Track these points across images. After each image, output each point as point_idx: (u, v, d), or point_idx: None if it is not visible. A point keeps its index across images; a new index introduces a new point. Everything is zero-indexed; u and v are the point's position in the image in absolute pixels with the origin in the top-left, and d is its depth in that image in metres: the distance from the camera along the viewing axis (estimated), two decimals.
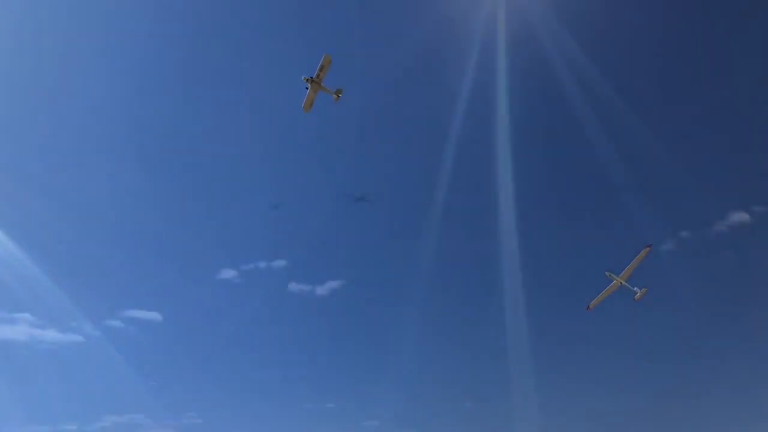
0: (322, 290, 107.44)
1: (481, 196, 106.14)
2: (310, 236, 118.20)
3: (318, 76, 68.73)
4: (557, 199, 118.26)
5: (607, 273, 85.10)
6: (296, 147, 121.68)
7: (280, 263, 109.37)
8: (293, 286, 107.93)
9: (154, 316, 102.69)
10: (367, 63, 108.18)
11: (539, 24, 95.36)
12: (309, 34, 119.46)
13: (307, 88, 69.74)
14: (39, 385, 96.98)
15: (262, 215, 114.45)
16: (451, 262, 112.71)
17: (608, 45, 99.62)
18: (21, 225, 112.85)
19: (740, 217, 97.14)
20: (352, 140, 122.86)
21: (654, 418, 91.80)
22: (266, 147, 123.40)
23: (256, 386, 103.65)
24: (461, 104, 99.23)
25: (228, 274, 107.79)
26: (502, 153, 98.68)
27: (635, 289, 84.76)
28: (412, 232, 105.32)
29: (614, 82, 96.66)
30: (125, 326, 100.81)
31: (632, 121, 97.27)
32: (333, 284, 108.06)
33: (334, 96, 71.98)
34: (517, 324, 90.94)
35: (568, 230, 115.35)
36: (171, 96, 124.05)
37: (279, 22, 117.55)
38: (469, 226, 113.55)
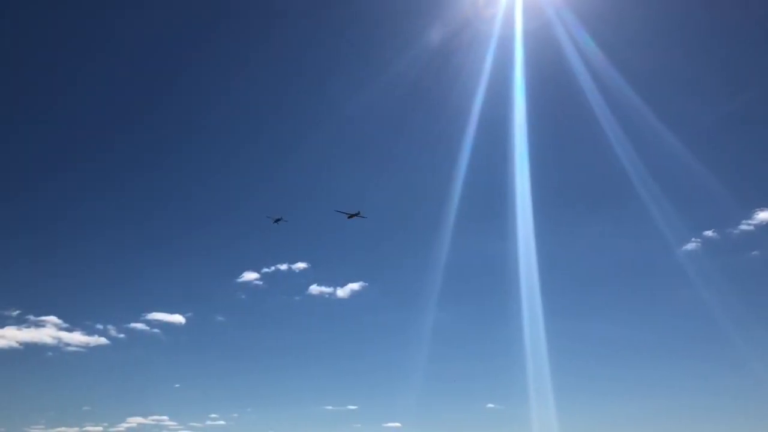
0: (342, 292, 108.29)
1: (498, 197, 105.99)
2: (330, 239, 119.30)
3: None
4: (575, 200, 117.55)
5: None
6: (307, 155, 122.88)
7: (302, 266, 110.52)
8: (314, 289, 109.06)
9: (177, 318, 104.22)
10: (385, 61, 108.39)
11: (557, 22, 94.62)
12: (319, 39, 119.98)
13: None
14: (66, 386, 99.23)
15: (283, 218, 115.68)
16: (470, 263, 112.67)
17: (628, 45, 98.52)
18: (45, 229, 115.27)
19: (767, 216, 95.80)
20: (368, 142, 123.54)
21: (673, 419, 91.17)
22: (285, 155, 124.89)
23: (279, 388, 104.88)
24: (477, 103, 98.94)
25: (250, 276, 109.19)
26: (519, 153, 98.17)
27: None
28: (431, 233, 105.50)
29: (634, 83, 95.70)
30: (149, 329, 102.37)
31: (652, 121, 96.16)
32: (354, 286, 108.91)
33: None
34: (534, 325, 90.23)
35: (587, 231, 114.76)
36: (188, 108, 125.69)
37: (285, 35, 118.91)
38: (486, 227, 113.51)
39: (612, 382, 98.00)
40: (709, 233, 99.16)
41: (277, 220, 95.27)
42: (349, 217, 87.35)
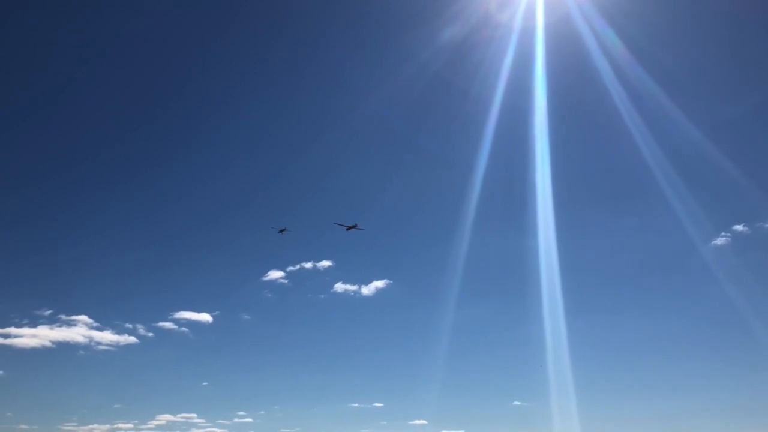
0: (367, 290, 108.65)
1: (519, 194, 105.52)
2: (355, 237, 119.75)
3: None
4: (597, 196, 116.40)
5: None
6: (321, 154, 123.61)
7: (326, 264, 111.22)
8: (339, 287, 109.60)
9: (205, 317, 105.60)
10: (406, 57, 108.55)
11: (578, 15, 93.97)
12: (338, 36, 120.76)
13: None
14: (97, 384, 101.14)
15: (307, 216, 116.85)
16: (494, 259, 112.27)
17: (650, 38, 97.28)
18: (76, 231, 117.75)
19: None
20: (389, 140, 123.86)
21: (697, 418, 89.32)
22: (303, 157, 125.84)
23: (305, 386, 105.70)
24: (497, 99, 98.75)
25: (275, 275, 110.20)
26: (540, 149, 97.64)
27: None
28: (454, 230, 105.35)
29: (657, 76, 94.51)
30: (177, 328, 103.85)
31: (676, 115, 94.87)
32: (378, 284, 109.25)
33: None
34: (558, 323, 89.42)
35: (609, 227, 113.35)
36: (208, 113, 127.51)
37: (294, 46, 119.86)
38: (508, 224, 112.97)
39: (637, 380, 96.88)
40: (739, 227, 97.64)
41: (282, 231, 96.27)
42: (347, 229, 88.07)
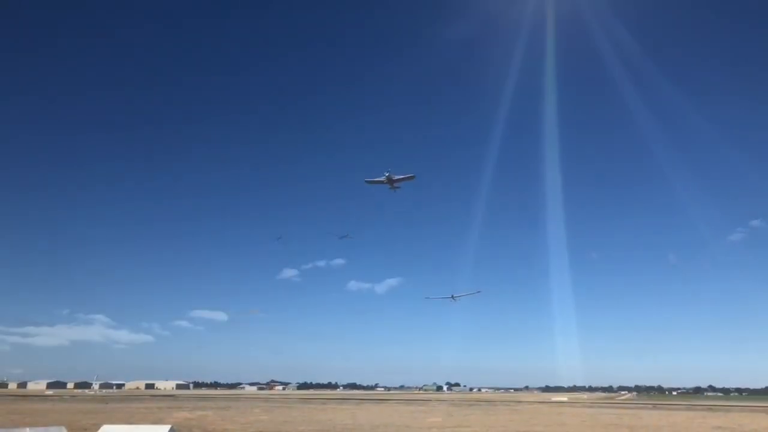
0: (380, 288, 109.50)
1: (528, 191, 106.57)
2: (367, 235, 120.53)
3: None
4: (609, 192, 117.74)
5: None
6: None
7: (340, 262, 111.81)
8: (353, 285, 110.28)
9: (220, 315, 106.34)
10: (417, 49, 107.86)
11: (589, 10, 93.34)
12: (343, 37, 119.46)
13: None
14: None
15: (320, 214, 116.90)
16: (504, 256, 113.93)
17: (661, 33, 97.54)
18: (92, 232, 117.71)
19: None
20: (399, 139, 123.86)
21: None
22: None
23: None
24: (507, 94, 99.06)
25: (289, 273, 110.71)
26: (549, 145, 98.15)
27: None
28: (464, 227, 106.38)
29: (669, 72, 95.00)
30: (193, 326, 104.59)
31: (689, 111, 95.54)
32: (392, 282, 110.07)
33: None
34: (566, 319, 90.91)
35: (620, 224, 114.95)
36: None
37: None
38: (518, 221, 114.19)
39: (650, 377, 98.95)
40: (755, 222, 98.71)
41: (279, 238, 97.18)
42: (340, 238, 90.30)
